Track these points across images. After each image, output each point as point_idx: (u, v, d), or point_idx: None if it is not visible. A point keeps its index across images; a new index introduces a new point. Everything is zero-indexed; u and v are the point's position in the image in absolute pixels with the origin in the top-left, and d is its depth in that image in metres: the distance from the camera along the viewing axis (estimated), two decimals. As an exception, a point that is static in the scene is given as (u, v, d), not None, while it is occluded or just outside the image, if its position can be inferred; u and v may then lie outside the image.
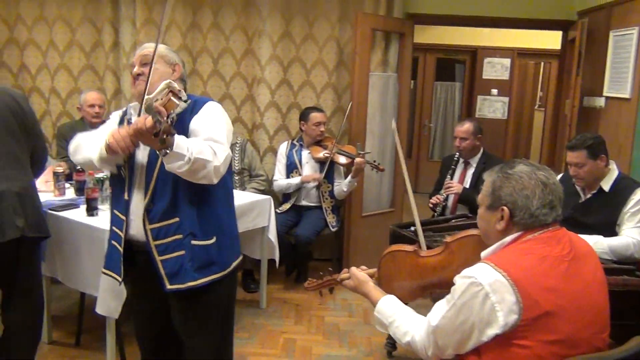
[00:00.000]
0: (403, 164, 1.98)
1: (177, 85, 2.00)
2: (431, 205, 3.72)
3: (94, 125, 3.93)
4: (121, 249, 2.05)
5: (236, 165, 4.14)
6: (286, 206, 4.19)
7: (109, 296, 2.64)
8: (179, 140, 1.77)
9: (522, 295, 1.36)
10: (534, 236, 1.49)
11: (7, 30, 4.52)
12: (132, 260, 2.07)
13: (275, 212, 3.79)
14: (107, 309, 2.66)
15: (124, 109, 2.21)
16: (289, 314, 3.74)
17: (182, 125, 1.96)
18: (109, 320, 2.77)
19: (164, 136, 1.68)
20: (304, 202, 4.20)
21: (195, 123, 1.98)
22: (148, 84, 1.88)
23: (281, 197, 4.35)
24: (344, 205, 4.42)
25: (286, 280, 4.29)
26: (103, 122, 3.86)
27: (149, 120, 1.69)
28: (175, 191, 1.96)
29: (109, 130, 1.91)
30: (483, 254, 1.56)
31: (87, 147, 2.00)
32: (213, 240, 2.04)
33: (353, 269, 1.90)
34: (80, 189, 3.31)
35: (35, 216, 2.52)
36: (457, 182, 3.67)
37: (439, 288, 1.76)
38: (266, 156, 4.59)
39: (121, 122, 2.12)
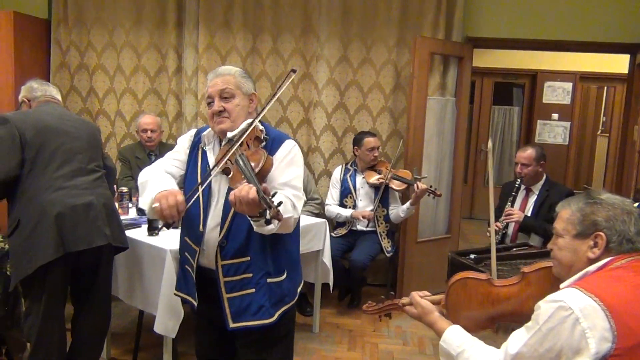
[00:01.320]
0: (491, 187, 1.90)
1: (260, 125, 1.99)
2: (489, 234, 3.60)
3: (150, 148, 4.09)
4: (194, 275, 2.04)
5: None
6: (342, 231, 4.17)
7: (167, 315, 2.68)
8: (276, 196, 1.73)
9: (617, 322, 1.29)
10: (621, 264, 1.43)
11: (78, 56, 4.76)
12: (201, 287, 2.06)
13: (330, 235, 3.78)
14: (165, 328, 2.70)
15: (194, 133, 2.17)
16: (342, 339, 3.69)
17: None
18: (166, 339, 2.81)
19: (268, 215, 1.63)
20: (358, 227, 4.16)
21: (274, 162, 1.94)
22: (241, 133, 1.90)
23: (335, 221, 4.34)
24: (399, 230, 4.36)
25: (339, 305, 4.25)
26: (157, 145, 4.08)
27: (252, 193, 1.65)
28: (250, 231, 1.92)
29: (163, 186, 1.89)
30: (564, 284, 1.49)
31: (148, 191, 1.96)
32: (285, 276, 2.04)
33: (415, 295, 1.84)
34: (141, 209, 3.41)
35: (118, 227, 2.71)
36: (518, 209, 3.55)
37: (508, 319, 1.69)
38: (321, 179, 4.60)
39: (193, 148, 2.11)
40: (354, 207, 4.18)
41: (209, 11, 4.46)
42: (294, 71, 1.95)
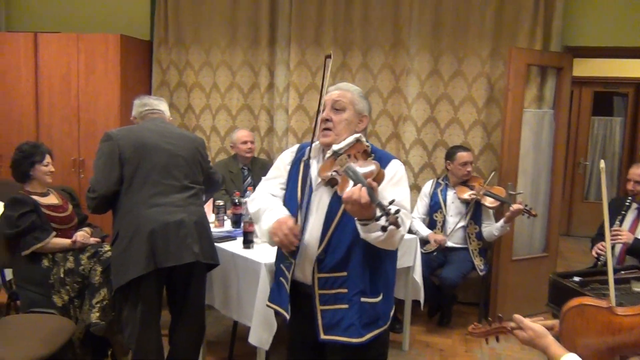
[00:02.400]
0: (605, 209, 1.78)
1: (366, 140, 2.00)
2: (595, 255, 3.37)
3: (246, 160, 4.21)
4: (288, 288, 2.04)
5: (382, 203, 4.14)
6: (431, 247, 4.09)
7: (261, 327, 2.74)
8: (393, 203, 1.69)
9: None
10: None
11: (177, 74, 5.03)
12: (294, 301, 2.06)
13: (421, 251, 3.71)
14: (259, 339, 2.76)
15: (296, 148, 2.18)
16: (432, 358, 3.60)
17: None
18: (259, 350, 2.87)
19: (384, 221, 1.60)
20: (449, 243, 4.05)
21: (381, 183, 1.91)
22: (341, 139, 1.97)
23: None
24: (492, 247, 4.21)
25: (429, 323, 4.16)
26: (250, 159, 4.18)
27: (365, 196, 1.64)
28: (350, 247, 1.92)
29: (274, 215, 1.96)
30: None
31: (263, 222, 2.01)
32: (380, 297, 2.00)
33: (524, 320, 1.74)
34: (236, 222, 3.53)
35: (208, 245, 2.80)
36: (628, 230, 3.30)
37: (631, 351, 1.57)
38: (410, 194, 4.52)
39: (295, 162, 2.11)
40: (444, 222, 4.08)
41: (300, 29, 4.57)
42: (329, 57, 1.97)
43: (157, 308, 2.76)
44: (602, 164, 1.76)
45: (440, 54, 4.36)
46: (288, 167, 2.14)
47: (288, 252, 1.95)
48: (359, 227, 1.81)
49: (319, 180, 1.98)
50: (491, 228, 3.95)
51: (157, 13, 4.97)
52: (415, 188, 4.51)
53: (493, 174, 4.14)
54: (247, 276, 2.89)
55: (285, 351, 2.32)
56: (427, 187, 4.21)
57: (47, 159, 3.20)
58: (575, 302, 1.65)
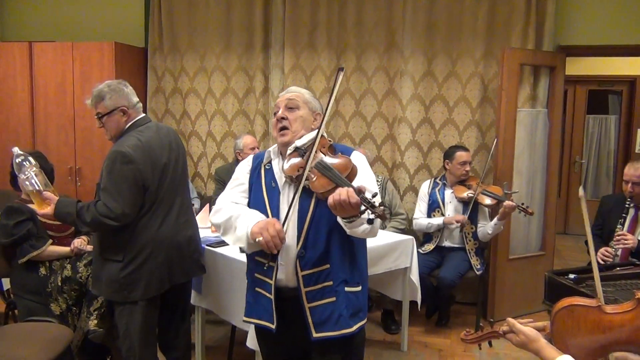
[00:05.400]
0: (589, 236, 1.78)
1: (326, 135, 2.04)
2: (602, 262, 3.28)
3: None
4: (272, 297, 2.00)
5: (377, 204, 4.14)
6: (429, 247, 4.10)
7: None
8: (376, 196, 1.74)
9: None
10: None
11: (172, 81, 5.04)
12: (278, 308, 2.01)
13: (418, 252, 3.72)
14: (256, 343, 2.75)
15: (252, 159, 2.18)
16: (431, 359, 3.61)
17: None
18: (257, 354, 2.87)
19: (370, 214, 1.66)
20: (446, 243, 4.07)
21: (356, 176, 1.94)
22: (297, 135, 1.99)
23: (422, 237, 4.27)
24: (489, 247, 4.22)
25: (427, 323, 4.16)
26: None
27: (354, 196, 1.67)
28: (328, 239, 1.95)
29: (252, 218, 1.93)
30: None
31: (239, 227, 1.96)
32: (360, 288, 2.05)
33: (516, 323, 1.75)
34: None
35: (202, 256, 2.85)
36: (628, 231, 3.27)
37: (623, 348, 1.57)
38: (406, 195, 4.55)
39: (255, 168, 2.12)
40: (442, 221, 4.09)
41: (294, 33, 4.59)
42: (341, 69, 1.98)
43: (157, 322, 2.75)
44: (581, 191, 1.77)
45: (434, 55, 4.38)
46: (248, 176, 2.14)
47: (269, 253, 1.91)
48: (342, 223, 1.83)
49: (284, 179, 2.00)
50: (485, 228, 3.96)
51: (151, 20, 4.99)
52: (412, 190, 4.53)
53: (487, 169, 4.13)
54: (243, 281, 2.87)
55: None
56: (425, 187, 4.22)
57: None
58: (564, 302, 1.65)
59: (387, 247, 3.42)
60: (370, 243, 3.38)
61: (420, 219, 4.16)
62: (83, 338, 2.94)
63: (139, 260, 2.53)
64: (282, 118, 2.05)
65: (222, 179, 4.30)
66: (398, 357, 3.62)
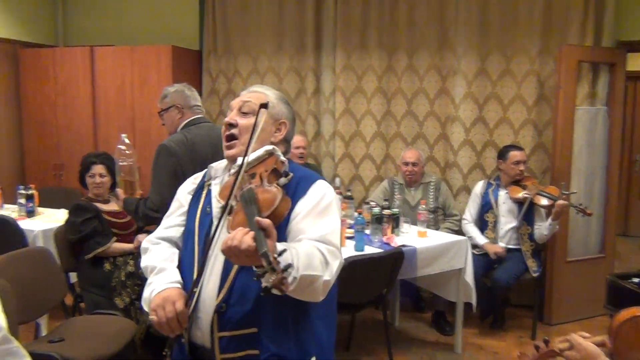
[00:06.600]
0: None
1: (281, 155, 1.59)
2: None
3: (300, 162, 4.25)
4: (187, 349, 1.53)
5: (431, 203, 4.12)
6: (490, 254, 4.04)
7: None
8: (283, 255, 1.26)
9: None
10: None
11: (226, 82, 5.15)
12: None
13: (472, 253, 3.68)
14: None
15: (202, 174, 1.72)
16: (486, 362, 3.57)
17: None
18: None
19: (267, 281, 1.16)
20: (501, 244, 4.00)
21: (301, 210, 1.49)
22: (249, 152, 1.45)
23: (477, 238, 4.21)
24: (546, 249, 4.12)
25: (481, 325, 4.10)
26: (307, 163, 4.21)
27: (246, 242, 1.23)
28: (259, 294, 1.38)
29: (162, 280, 1.51)
30: None
31: (147, 287, 1.55)
32: None
33: (576, 337, 1.66)
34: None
35: None
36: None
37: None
38: (459, 195, 4.50)
39: (199, 188, 1.68)
40: (495, 223, 4.02)
41: (346, 33, 4.61)
42: (264, 106, 1.49)
43: None
44: None
45: (488, 53, 4.32)
46: (189, 197, 1.69)
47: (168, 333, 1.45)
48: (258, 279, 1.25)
49: (220, 206, 1.53)
50: (541, 229, 3.87)
51: (206, 23, 5.11)
52: (465, 190, 4.47)
53: (544, 169, 4.02)
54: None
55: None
56: (479, 188, 4.16)
57: (94, 169, 3.30)
58: (627, 314, 1.56)
59: (441, 248, 3.40)
60: (424, 244, 3.42)
61: (468, 224, 4.10)
62: (145, 331, 3.05)
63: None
64: (230, 124, 1.60)
65: None
66: (453, 359, 3.59)
